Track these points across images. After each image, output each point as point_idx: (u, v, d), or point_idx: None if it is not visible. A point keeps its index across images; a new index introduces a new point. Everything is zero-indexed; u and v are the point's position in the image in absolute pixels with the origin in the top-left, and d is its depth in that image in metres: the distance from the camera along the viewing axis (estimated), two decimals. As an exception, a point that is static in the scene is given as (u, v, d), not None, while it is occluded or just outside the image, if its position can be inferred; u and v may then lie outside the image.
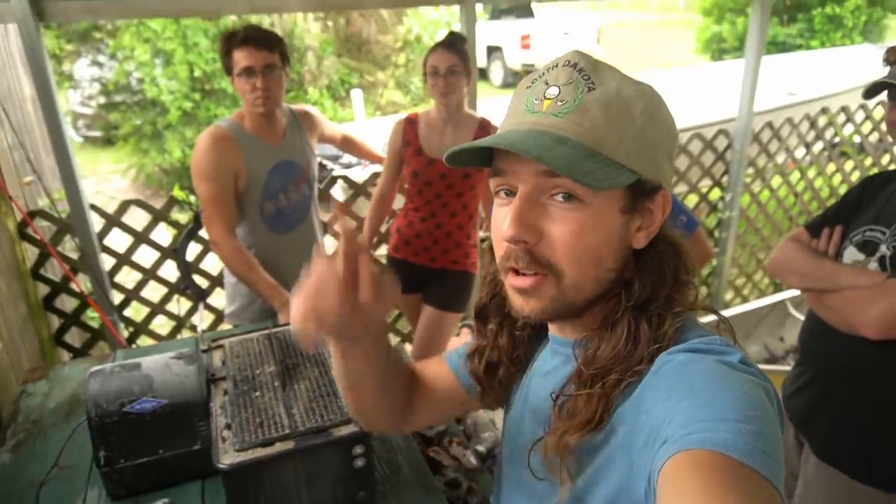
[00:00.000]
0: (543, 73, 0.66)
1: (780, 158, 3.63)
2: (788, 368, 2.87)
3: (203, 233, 1.85)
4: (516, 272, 0.67)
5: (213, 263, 2.60)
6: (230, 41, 1.84)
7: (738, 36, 11.43)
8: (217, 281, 2.56)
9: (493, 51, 11.78)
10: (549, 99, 0.64)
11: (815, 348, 1.45)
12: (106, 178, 7.48)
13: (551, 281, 0.65)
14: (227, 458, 1.15)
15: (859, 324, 1.26)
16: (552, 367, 0.76)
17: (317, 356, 1.46)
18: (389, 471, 1.41)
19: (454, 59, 2.11)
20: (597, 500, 0.64)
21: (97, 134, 8.14)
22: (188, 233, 1.54)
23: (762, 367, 2.99)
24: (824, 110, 3.66)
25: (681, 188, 3.42)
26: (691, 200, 3.47)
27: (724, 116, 4.20)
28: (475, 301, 0.87)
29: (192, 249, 2.49)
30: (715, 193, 3.49)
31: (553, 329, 0.77)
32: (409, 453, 1.46)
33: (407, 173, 2.29)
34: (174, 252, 2.07)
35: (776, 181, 3.69)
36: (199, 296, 1.61)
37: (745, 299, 3.82)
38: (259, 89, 1.83)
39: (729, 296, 3.79)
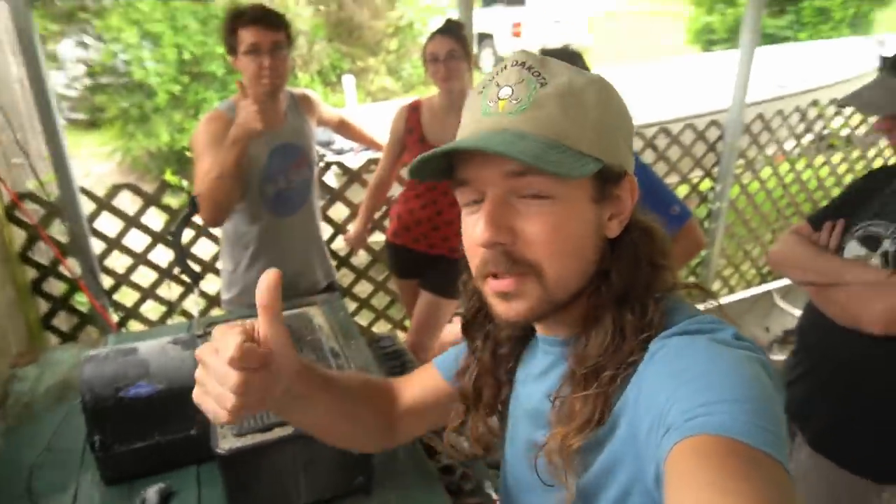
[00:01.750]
0: (493, 77, 0.66)
1: (770, 150, 3.66)
2: (774, 359, 2.94)
3: (197, 218, 1.83)
4: (495, 276, 0.66)
5: (206, 248, 2.59)
6: (237, 20, 1.81)
7: (728, 27, 11.48)
8: (209, 267, 2.55)
9: (483, 38, 11.72)
10: (503, 99, 0.64)
11: (814, 340, 1.46)
12: (89, 162, 7.36)
13: (533, 280, 0.64)
14: (226, 443, 1.15)
15: (864, 320, 1.27)
16: (544, 367, 0.75)
17: (314, 342, 1.46)
18: (386, 456, 1.41)
19: (453, 44, 2.10)
20: (609, 493, 0.64)
21: (81, 116, 8.00)
22: (184, 217, 1.52)
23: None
24: (814, 103, 3.69)
25: (672, 178, 3.44)
26: (682, 191, 3.49)
27: (715, 108, 4.22)
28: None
29: (185, 234, 2.47)
30: (705, 184, 3.51)
31: (540, 328, 0.76)
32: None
33: (408, 160, 2.28)
34: (170, 235, 2.05)
35: (765, 172, 3.72)
36: (194, 280, 1.60)
37: (731, 290, 3.86)
38: (266, 68, 1.81)
39: (716, 286, 3.83)
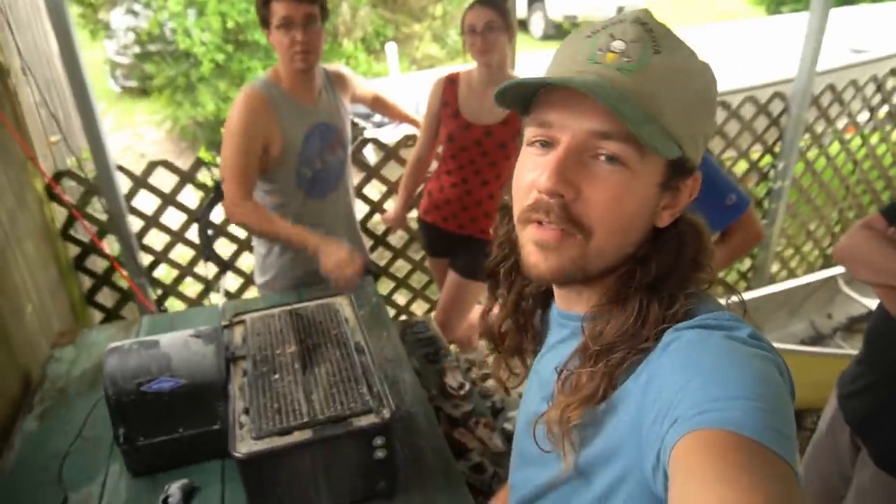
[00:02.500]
0: (608, 26, 0.63)
1: (841, 124, 3.38)
2: (836, 351, 2.75)
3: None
4: (540, 224, 0.64)
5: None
6: None
7: (797, -15, 10.68)
8: (244, 244, 2.53)
9: (533, 1, 11.30)
10: (613, 52, 0.61)
11: (884, 349, 1.32)
12: (141, 131, 7.51)
13: (577, 241, 0.63)
14: (244, 446, 1.12)
15: None
16: (558, 339, 0.76)
17: (339, 336, 1.40)
18: (411, 455, 1.37)
19: (492, 15, 1.97)
20: (604, 477, 0.64)
21: (134, 84, 8.13)
22: (210, 202, 1.48)
23: (808, 346, 2.87)
24: (893, 71, 3.38)
25: (729, 153, 3.22)
26: (740, 168, 3.27)
27: (780, 77, 3.92)
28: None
29: (219, 214, 2.46)
30: (766, 160, 3.28)
31: (559, 301, 0.76)
32: (432, 438, 1.42)
33: (443, 135, 2.19)
34: (197, 220, 2.03)
35: (834, 148, 3.45)
36: (221, 267, 1.56)
37: (791, 273, 3.64)
38: (299, 42, 1.73)
39: (775, 268, 3.61)
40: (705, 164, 1.53)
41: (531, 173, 0.64)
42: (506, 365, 0.85)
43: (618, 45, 0.61)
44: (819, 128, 3.29)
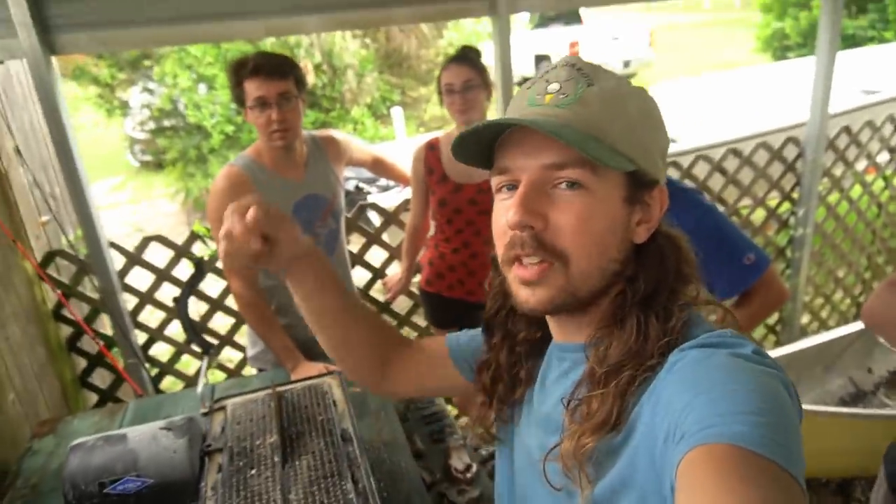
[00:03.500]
0: (543, 74, 0.68)
1: (860, 166, 3.26)
2: (882, 412, 2.52)
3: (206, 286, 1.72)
4: (521, 263, 0.67)
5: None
6: (240, 72, 1.71)
7: (801, 32, 10.78)
8: (242, 317, 2.43)
9: (540, 60, 11.53)
10: (550, 93, 0.66)
11: None
12: (159, 202, 7.64)
13: (558, 269, 0.65)
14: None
15: None
16: (559, 373, 0.75)
17: (325, 423, 1.28)
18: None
19: (470, 74, 1.93)
20: None
21: (150, 158, 8.36)
22: (189, 285, 1.39)
23: (848, 407, 2.65)
24: (910, 110, 3.27)
25: (746, 202, 3.10)
26: (758, 216, 3.13)
27: (792, 122, 3.84)
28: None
29: (216, 288, 2.38)
30: (784, 207, 3.14)
31: (557, 334, 0.76)
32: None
33: (433, 203, 2.11)
34: (176, 302, 1.95)
35: (856, 192, 3.31)
36: (204, 351, 1.46)
37: (823, 324, 3.44)
38: (275, 121, 1.69)
39: (805, 320, 3.42)
40: (714, 220, 1.43)
41: (503, 216, 0.67)
42: (491, 416, 0.84)
43: (553, 86, 0.66)
44: (837, 171, 3.17)
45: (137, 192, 8.25)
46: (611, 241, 0.66)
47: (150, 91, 7.00)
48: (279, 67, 1.68)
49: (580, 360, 0.70)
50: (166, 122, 6.80)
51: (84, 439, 1.23)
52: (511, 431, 0.84)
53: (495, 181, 0.70)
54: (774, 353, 2.67)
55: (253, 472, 1.16)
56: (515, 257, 0.67)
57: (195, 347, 2.16)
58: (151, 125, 7.12)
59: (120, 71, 6.81)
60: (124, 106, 7.54)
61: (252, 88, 1.67)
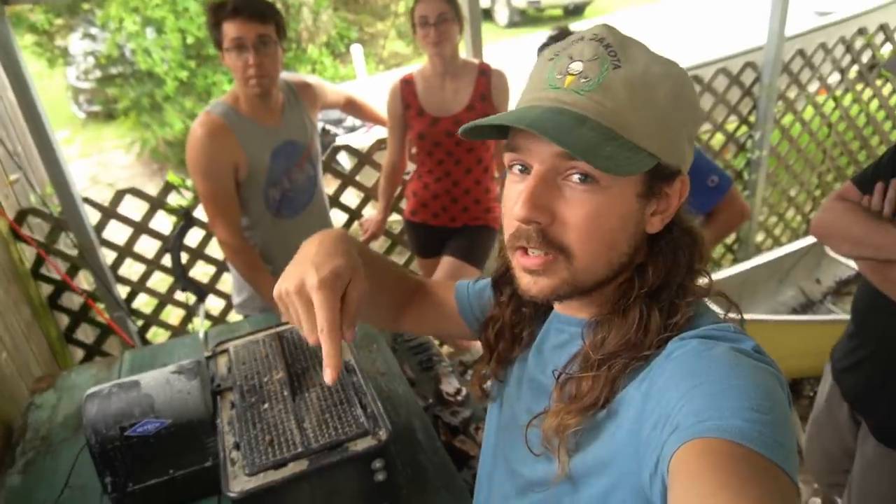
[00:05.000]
0: (567, 47, 0.63)
1: (812, 88, 3.38)
2: (828, 318, 2.74)
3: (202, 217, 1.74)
4: (525, 252, 0.65)
5: (217, 250, 2.50)
6: (219, 12, 1.66)
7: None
8: (223, 266, 2.46)
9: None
10: (571, 74, 0.61)
11: (874, 322, 1.29)
12: (110, 156, 7.36)
13: (562, 262, 0.64)
14: (237, 484, 1.07)
15: None
16: (556, 343, 0.75)
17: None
18: (413, 472, 1.32)
19: (443, 7, 1.97)
20: (596, 485, 0.63)
21: (98, 109, 7.98)
22: (180, 230, 1.42)
23: (799, 315, 2.86)
24: (861, 31, 3.38)
25: (705, 127, 3.20)
26: (717, 141, 3.25)
27: (750, 46, 3.91)
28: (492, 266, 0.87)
29: (195, 236, 2.39)
30: (742, 130, 3.26)
31: (559, 306, 0.76)
32: (433, 454, 1.37)
33: (412, 136, 2.16)
34: (167, 250, 1.97)
35: (808, 112, 3.44)
36: (198, 296, 1.51)
37: (776, 241, 3.64)
38: (252, 66, 1.67)
39: (760, 238, 3.61)
40: None
41: (511, 199, 0.65)
42: (492, 370, 0.86)
43: (576, 66, 0.61)
44: (792, 94, 3.29)
45: (87, 145, 7.90)
46: (620, 237, 0.64)
47: (93, 37, 6.62)
48: (260, 10, 1.65)
49: (577, 335, 0.70)
50: (113, 70, 6.48)
51: (98, 388, 1.27)
52: (502, 389, 0.85)
53: (507, 157, 0.67)
54: (733, 270, 2.85)
55: (265, 406, 1.23)
56: (520, 247, 0.65)
57: (188, 295, 2.19)
58: (97, 73, 6.78)
59: (57, 17, 6.41)
60: (64, 54, 7.12)
61: (230, 30, 1.64)
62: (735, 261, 3.41)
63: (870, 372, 1.30)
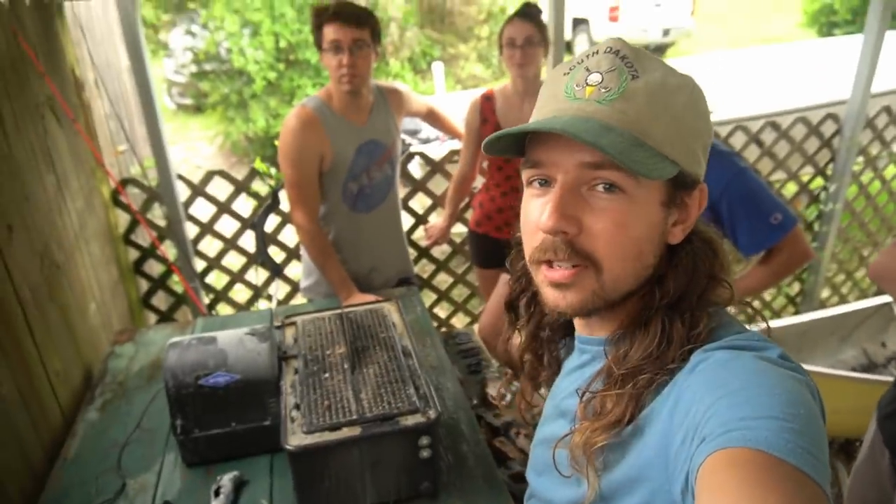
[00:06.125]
0: (582, 60, 0.64)
1: (896, 147, 3.29)
2: (889, 379, 2.64)
3: (283, 205, 1.87)
4: (550, 265, 0.65)
5: (290, 236, 2.65)
6: (321, 16, 1.82)
7: (851, 8, 10.46)
8: (293, 253, 2.61)
9: (579, 23, 11.32)
10: (591, 86, 0.62)
11: None
12: (195, 145, 7.80)
13: (590, 273, 0.63)
14: (295, 439, 1.16)
15: None
16: (578, 364, 0.75)
17: (387, 339, 1.44)
18: (454, 460, 1.38)
19: (531, 30, 2.05)
20: (628, 502, 0.62)
21: (189, 101, 8.49)
22: (266, 209, 1.55)
23: (859, 373, 2.76)
24: (953, 94, 3.28)
25: (779, 175, 3.17)
26: (790, 189, 3.21)
27: (833, 99, 3.84)
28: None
29: (271, 222, 2.54)
30: (817, 182, 3.21)
31: (580, 327, 0.75)
32: (475, 445, 1.43)
33: None
34: (253, 226, 2.11)
35: (889, 171, 3.35)
36: (274, 271, 1.63)
37: (843, 299, 3.53)
38: (345, 66, 1.81)
39: (825, 293, 3.51)
40: (746, 181, 1.53)
41: (534, 214, 0.65)
42: (526, 394, 0.86)
43: (594, 77, 0.62)
44: (873, 150, 3.22)
45: (174, 133, 8.39)
46: (647, 247, 0.64)
47: (193, 34, 7.08)
48: (357, 16, 1.79)
49: (600, 354, 0.70)
50: (207, 66, 6.91)
51: (179, 339, 1.40)
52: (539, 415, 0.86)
53: (526, 174, 0.67)
54: (793, 319, 2.78)
55: (326, 375, 1.33)
56: (545, 260, 0.65)
57: (259, 274, 2.33)
58: (193, 68, 7.23)
59: (165, 12, 6.90)
60: (164, 48, 7.64)
61: (329, 32, 1.79)
62: (797, 313, 3.33)
63: None
